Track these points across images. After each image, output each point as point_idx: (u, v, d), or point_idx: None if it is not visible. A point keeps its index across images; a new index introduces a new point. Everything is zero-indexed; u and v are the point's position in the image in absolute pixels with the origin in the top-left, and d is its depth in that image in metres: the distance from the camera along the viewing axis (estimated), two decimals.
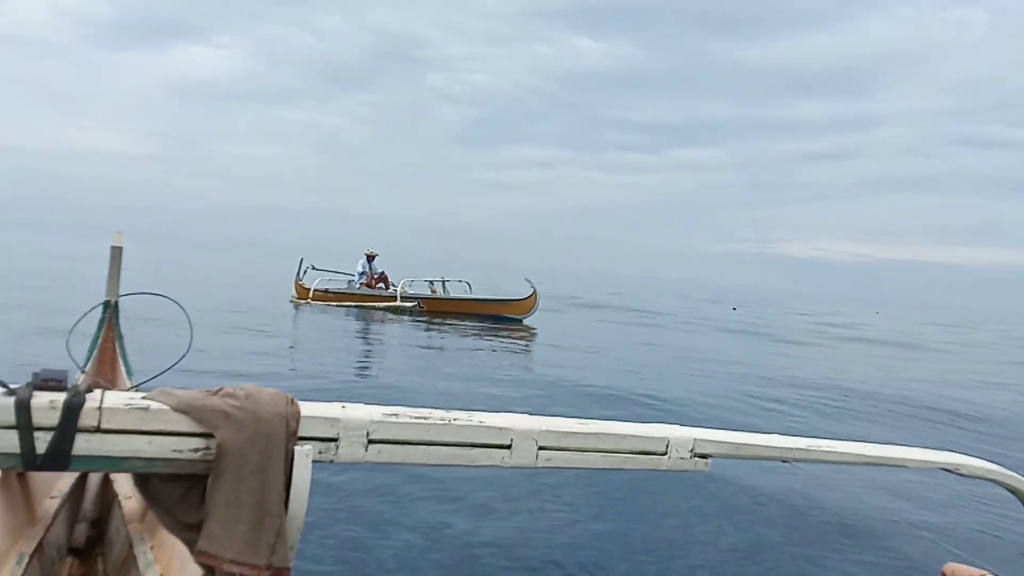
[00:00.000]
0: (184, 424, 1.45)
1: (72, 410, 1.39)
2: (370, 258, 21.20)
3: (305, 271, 21.48)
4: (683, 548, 3.76)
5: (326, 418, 1.54)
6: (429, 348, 13.68)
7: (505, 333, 16.53)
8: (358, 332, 15.78)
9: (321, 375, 9.09)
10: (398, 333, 15.76)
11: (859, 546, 3.79)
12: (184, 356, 2.91)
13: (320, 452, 1.53)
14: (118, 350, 4.25)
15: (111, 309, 4.33)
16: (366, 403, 1.63)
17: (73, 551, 2.94)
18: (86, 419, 1.39)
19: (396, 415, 1.60)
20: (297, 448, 1.49)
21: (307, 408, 1.55)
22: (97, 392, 1.44)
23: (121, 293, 4.37)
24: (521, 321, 19.10)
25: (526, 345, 15.36)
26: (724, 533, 3.95)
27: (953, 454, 2.23)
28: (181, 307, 3.33)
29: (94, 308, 4.12)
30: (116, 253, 4.33)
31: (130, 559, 2.63)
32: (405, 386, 8.71)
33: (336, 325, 16.25)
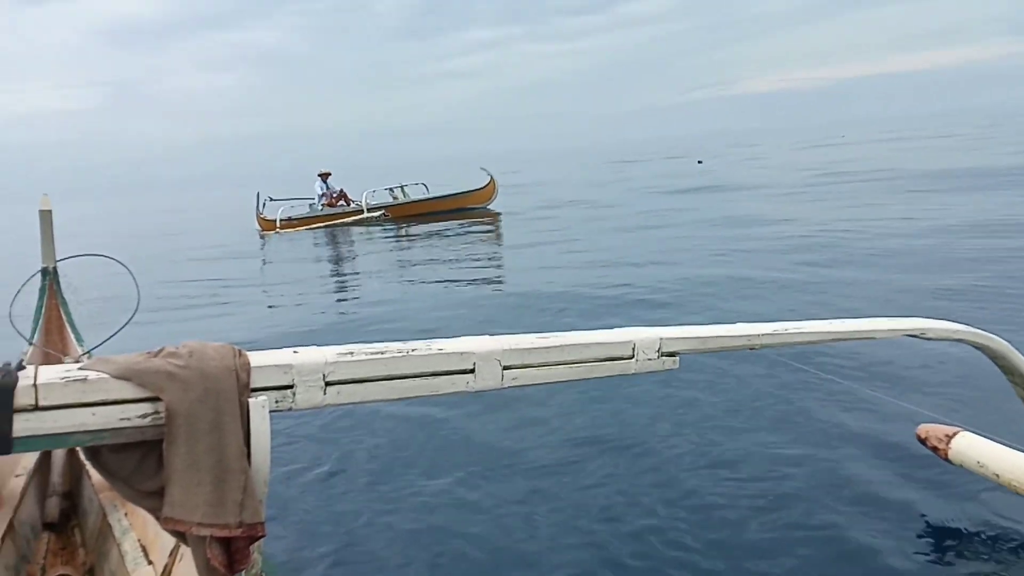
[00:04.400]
0: (128, 391, 1.40)
1: (5, 391, 1.34)
2: (324, 177, 21.36)
3: (264, 204, 21.68)
4: (653, 446, 3.83)
5: (278, 365, 1.50)
6: (403, 255, 13.96)
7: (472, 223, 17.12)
8: (332, 251, 16.04)
9: (306, 308, 9.08)
10: (371, 245, 16.06)
11: (833, 422, 3.90)
12: (132, 317, 2.74)
13: (277, 401, 1.50)
14: (64, 317, 4.17)
15: (50, 276, 4.24)
16: (344, 340, 1.62)
17: (48, 526, 2.92)
18: (22, 398, 1.34)
19: (351, 353, 1.56)
20: (251, 400, 1.46)
21: (257, 358, 1.50)
22: (30, 369, 1.40)
23: (59, 258, 4.24)
24: (486, 208, 19.73)
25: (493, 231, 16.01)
26: (694, 429, 4.00)
27: (919, 319, 2.31)
28: (124, 265, 3.15)
29: (32, 277, 4.00)
30: (45, 217, 4.22)
31: (106, 528, 2.64)
32: (390, 300, 8.78)
33: (309, 249, 16.47)
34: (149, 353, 1.48)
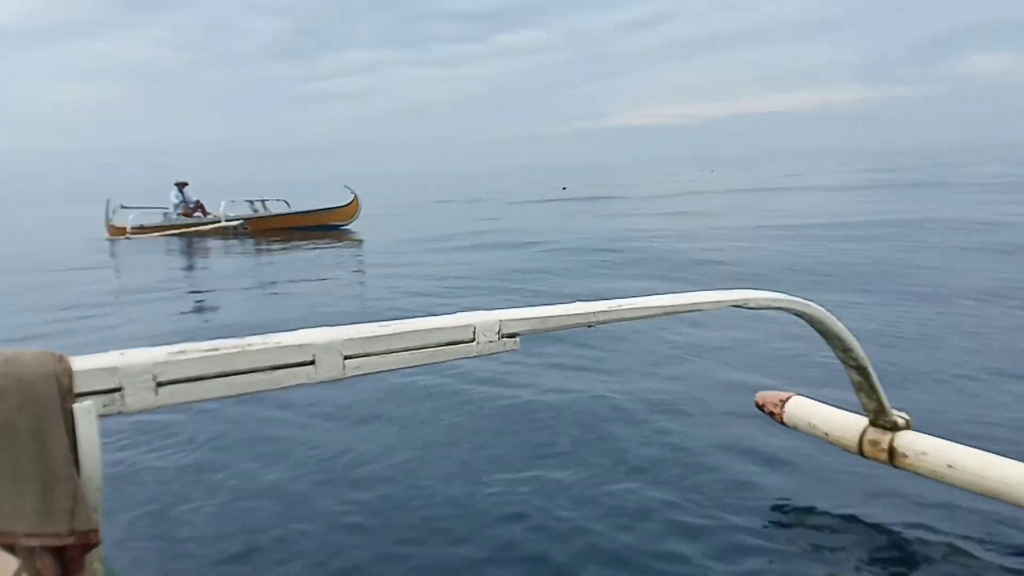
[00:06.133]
0: None
1: None
2: (180, 187, 20.58)
3: (114, 211, 20.59)
4: (493, 426, 3.85)
5: (103, 369, 1.45)
6: (262, 269, 13.52)
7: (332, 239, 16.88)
8: (187, 260, 15.26)
9: (159, 318, 8.49)
10: (229, 255, 15.44)
11: (674, 395, 4.00)
12: None
13: (105, 405, 1.45)
14: None
15: None
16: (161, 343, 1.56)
17: None
18: None
19: (183, 352, 1.53)
20: (76, 406, 1.41)
21: (80, 362, 1.45)
22: None
23: None
24: (347, 227, 19.49)
25: (356, 247, 15.85)
26: (538, 413, 4.02)
27: (741, 291, 2.39)
28: None
29: None
30: None
31: None
32: (250, 314, 8.42)
33: (163, 255, 15.67)
34: None
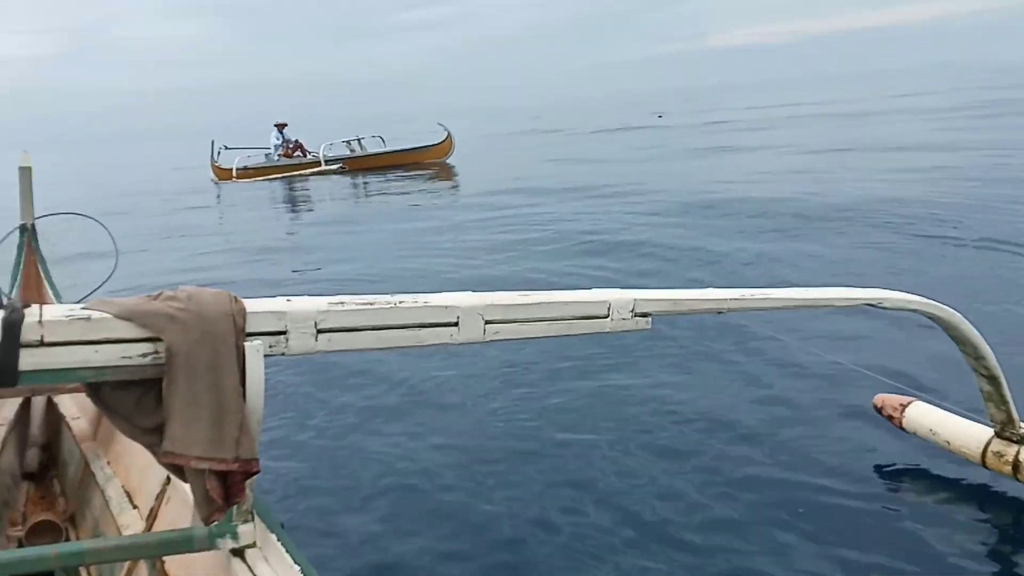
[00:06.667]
0: (130, 330, 1.44)
1: (12, 326, 1.36)
2: (280, 128, 21.20)
3: (219, 152, 21.49)
4: (618, 407, 3.94)
5: (272, 312, 1.55)
6: (362, 208, 13.93)
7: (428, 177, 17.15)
8: (291, 202, 15.98)
9: (272, 262, 8.97)
10: (330, 195, 16.03)
11: (794, 388, 3.98)
12: (112, 273, 2.96)
13: (271, 346, 1.55)
14: (42, 274, 4.17)
15: (28, 232, 4.21)
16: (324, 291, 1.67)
17: (28, 476, 3.02)
18: (28, 334, 1.37)
19: (342, 303, 1.62)
20: (247, 344, 1.51)
21: (252, 304, 1.55)
22: (35, 307, 1.41)
23: (37, 215, 4.22)
24: (444, 161, 19.76)
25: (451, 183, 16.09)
26: (668, 390, 4.10)
27: (876, 290, 2.38)
28: (103, 224, 3.32)
29: (10, 233, 4.05)
30: (25, 174, 4.16)
31: (87, 476, 2.75)
32: (352, 253, 8.82)
33: (268, 199, 16.41)
34: (149, 296, 1.52)
